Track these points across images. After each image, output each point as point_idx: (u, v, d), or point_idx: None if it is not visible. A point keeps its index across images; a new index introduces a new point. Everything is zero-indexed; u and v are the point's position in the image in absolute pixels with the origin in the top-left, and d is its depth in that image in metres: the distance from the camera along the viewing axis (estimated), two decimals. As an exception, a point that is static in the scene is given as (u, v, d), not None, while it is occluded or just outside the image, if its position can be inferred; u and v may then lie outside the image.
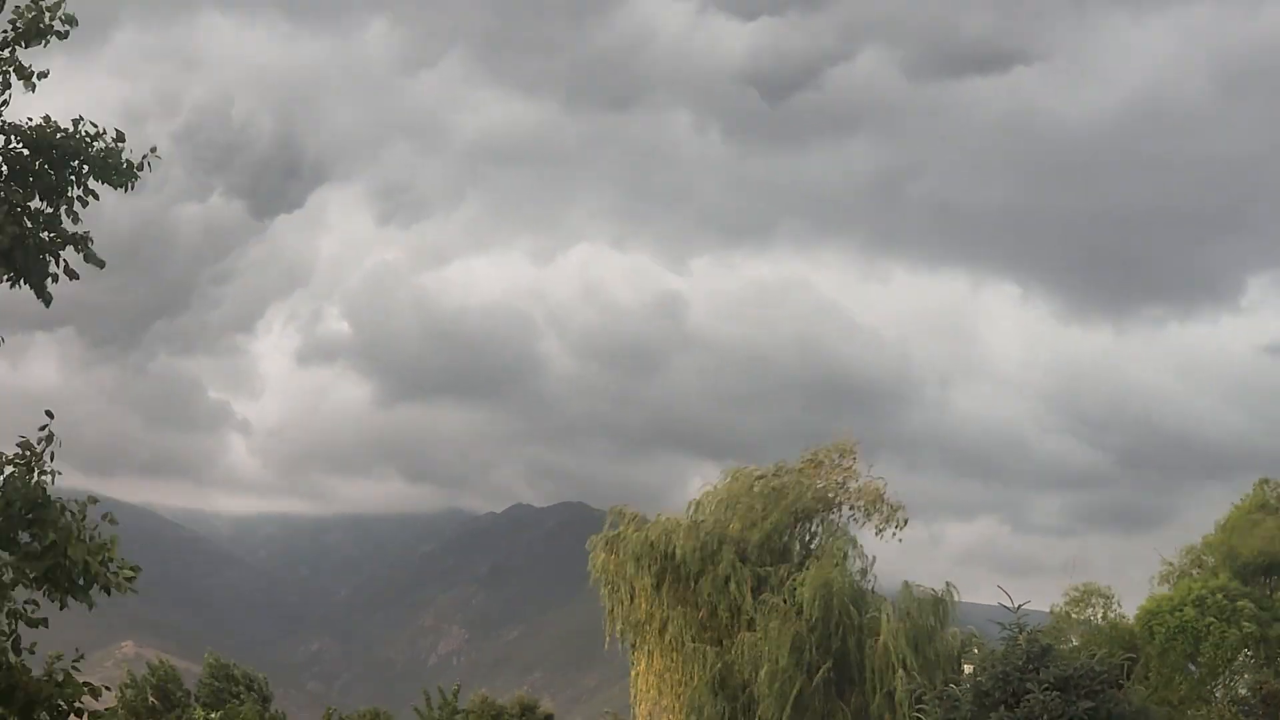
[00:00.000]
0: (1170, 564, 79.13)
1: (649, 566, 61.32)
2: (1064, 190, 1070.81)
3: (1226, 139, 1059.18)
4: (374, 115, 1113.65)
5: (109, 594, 24.02)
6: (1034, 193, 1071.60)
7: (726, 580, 59.88)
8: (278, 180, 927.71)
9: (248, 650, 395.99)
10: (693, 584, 60.78)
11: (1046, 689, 33.55)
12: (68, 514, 23.48)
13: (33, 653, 24.84)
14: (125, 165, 23.91)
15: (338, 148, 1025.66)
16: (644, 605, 61.75)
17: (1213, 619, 67.52)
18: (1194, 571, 76.67)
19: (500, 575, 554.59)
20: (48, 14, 23.47)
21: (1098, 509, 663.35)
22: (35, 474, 23.04)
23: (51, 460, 23.44)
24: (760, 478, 63.23)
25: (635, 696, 63.44)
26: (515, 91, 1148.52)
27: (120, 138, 23.30)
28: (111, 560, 24.08)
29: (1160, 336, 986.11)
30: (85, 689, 24.60)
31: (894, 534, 61.71)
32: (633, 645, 63.59)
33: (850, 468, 62.80)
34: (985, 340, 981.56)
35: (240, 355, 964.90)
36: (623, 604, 62.53)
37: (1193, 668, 68.04)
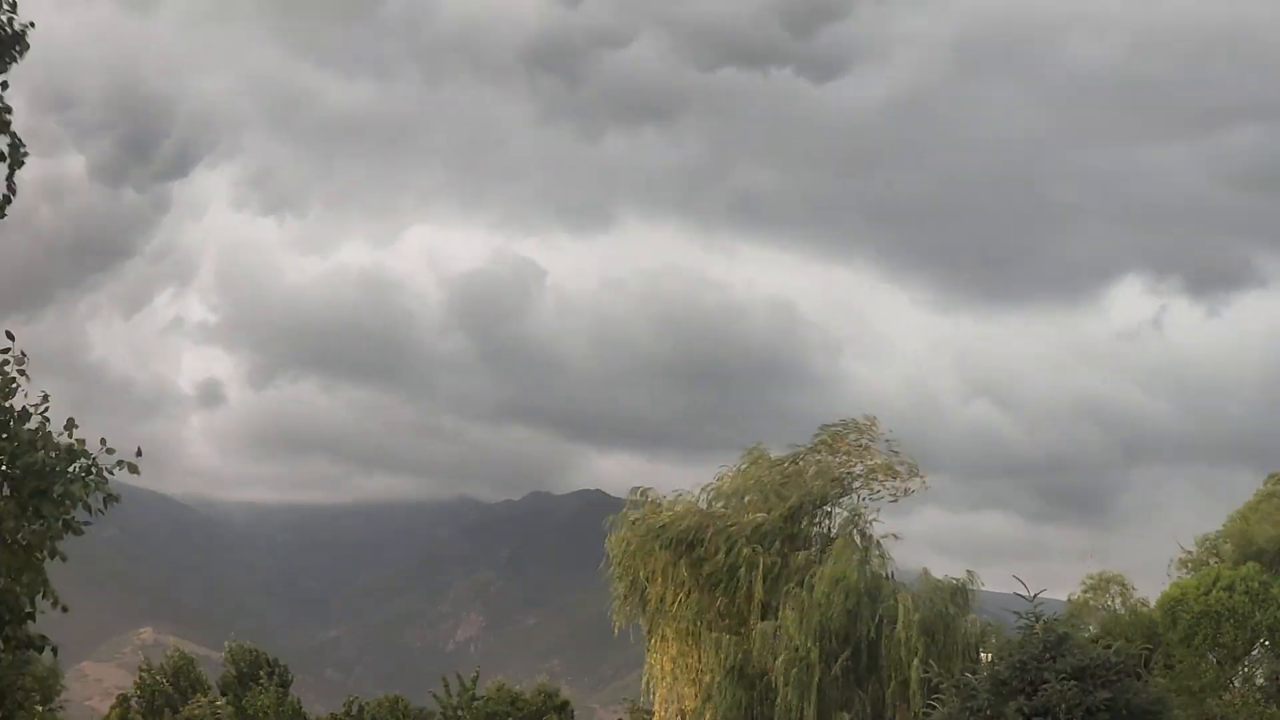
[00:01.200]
0: (1189, 552, 79.10)
1: (664, 551, 61.24)
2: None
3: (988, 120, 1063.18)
4: (229, 95, 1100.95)
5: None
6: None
7: (743, 566, 59.74)
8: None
9: (265, 637, 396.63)
10: (706, 570, 60.69)
11: (1064, 678, 33.49)
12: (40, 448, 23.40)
13: (39, 649, 25.03)
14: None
15: (198, 127, 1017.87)
16: (659, 590, 61.69)
17: (1243, 598, 67.42)
18: (1211, 560, 76.62)
19: (518, 562, 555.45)
20: None
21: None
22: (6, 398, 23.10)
23: (24, 378, 23.51)
24: (778, 461, 63.15)
25: (649, 684, 63.43)
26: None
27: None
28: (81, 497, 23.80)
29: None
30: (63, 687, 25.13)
31: (915, 490, 61.64)
32: (648, 632, 63.54)
33: (868, 447, 62.66)
34: (844, 321, 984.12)
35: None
36: (637, 589, 62.50)
37: (1211, 656, 67.99)
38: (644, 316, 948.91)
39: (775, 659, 56.70)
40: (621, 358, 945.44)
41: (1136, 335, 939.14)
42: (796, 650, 56.07)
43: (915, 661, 54.28)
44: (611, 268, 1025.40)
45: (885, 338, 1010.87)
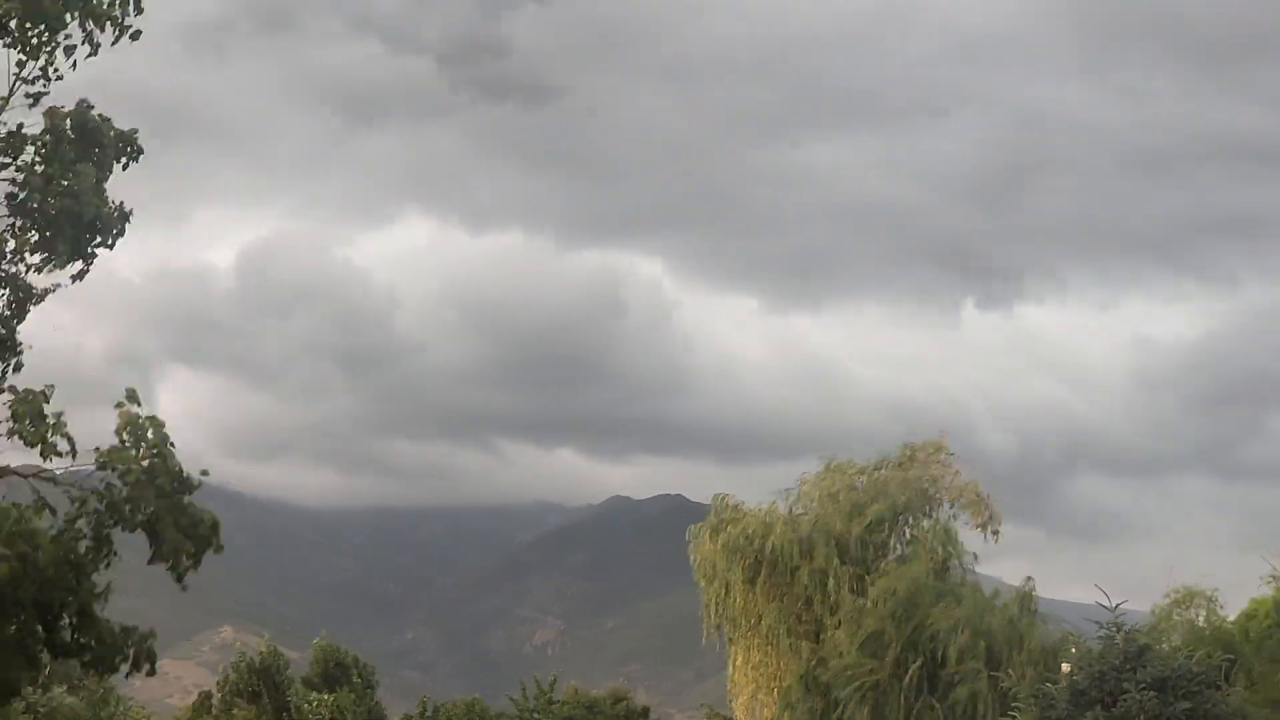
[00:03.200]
0: (1275, 566, 78.37)
1: (745, 559, 61.18)
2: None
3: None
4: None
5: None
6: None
7: (823, 575, 59.63)
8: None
9: (344, 638, 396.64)
10: (789, 578, 60.57)
11: (1143, 689, 33.26)
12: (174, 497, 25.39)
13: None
14: None
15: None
16: (740, 598, 61.60)
17: None
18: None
19: (598, 566, 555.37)
20: None
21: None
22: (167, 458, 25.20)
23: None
24: (859, 471, 63.01)
25: (732, 690, 63.39)
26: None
27: None
28: (209, 544, 25.84)
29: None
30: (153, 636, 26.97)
31: (991, 535, 61.55)
32: (730, 639, 63.48)
33: (946, 463, 62.53)
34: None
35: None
36: (719, 596, 62.43)
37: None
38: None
39: (839, 666, 56.65)
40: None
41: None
42: (855, 660, 55.97)
43: (985, 672, 54.07)
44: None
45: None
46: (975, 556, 61.48)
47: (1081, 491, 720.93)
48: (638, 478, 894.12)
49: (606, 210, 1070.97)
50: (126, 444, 26.59)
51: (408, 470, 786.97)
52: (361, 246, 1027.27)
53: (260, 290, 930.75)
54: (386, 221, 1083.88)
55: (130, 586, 29.49)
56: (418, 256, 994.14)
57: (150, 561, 27.82)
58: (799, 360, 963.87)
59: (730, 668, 64.03)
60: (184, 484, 26.98)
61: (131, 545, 29.80)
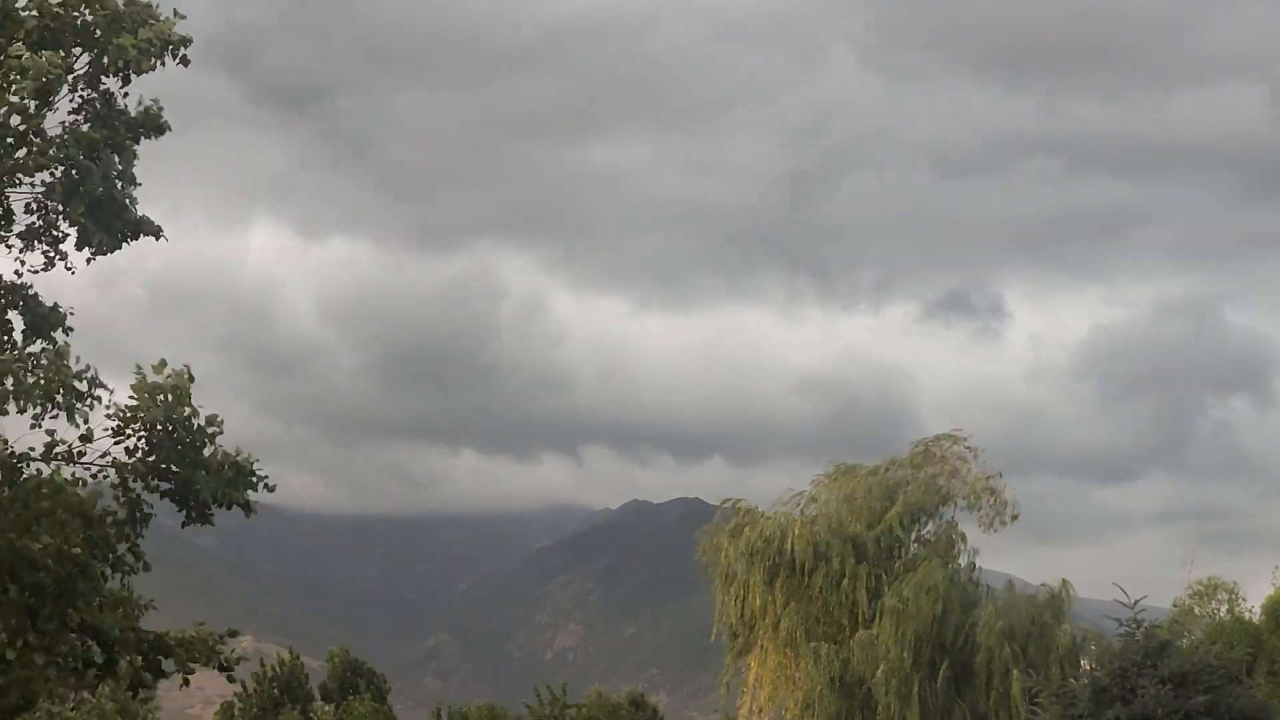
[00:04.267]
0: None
1: (763, 562, 61.17)
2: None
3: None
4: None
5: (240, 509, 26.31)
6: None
7: (841, 577, 59.64)
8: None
9: (365, 645, 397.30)
10: (806, 580, 60.56)
11: (1161, 684, 33.22)
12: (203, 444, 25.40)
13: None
14: None
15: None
16: (758, 601, 61.57)
17: None
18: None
19: (617, 571, 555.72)
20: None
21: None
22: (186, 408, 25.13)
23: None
24: (872, 473, 63.00)
25: (747, 693, 63.36)
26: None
27: None
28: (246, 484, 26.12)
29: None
30: (217, 639, 27.03)
31: (1005, 525, 61.57)
32: (739, 640, 63.56)
33: (963, 459, 62.55)
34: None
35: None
36: (736, 599, 62.43)
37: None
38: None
39: (876, 668, 56.61)
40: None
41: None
42: (897, 660, 55.95)
43: (1015, 671, 54.09)
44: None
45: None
46: (976, 551, 61.64)
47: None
48: (657, 481, 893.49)
49: (442, 217, 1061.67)
50: (141, 407, 26.22)
51: (427, 477, 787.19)
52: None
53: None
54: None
55: (148, 596, 29.38)
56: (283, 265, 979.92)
57: (185, 524, 27.69)
58: (692, 358, 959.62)
59: (750, 672, 64.02)
60: (204, 436, 26.80)
61: (152, 556, 29.77)
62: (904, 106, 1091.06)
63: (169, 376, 26.31)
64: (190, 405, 26.50)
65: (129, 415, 26.22)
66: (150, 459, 26.62)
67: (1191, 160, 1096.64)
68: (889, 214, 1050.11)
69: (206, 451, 27.05)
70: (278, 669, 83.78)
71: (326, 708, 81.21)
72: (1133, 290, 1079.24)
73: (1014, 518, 61.61)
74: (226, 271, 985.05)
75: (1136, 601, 35.83)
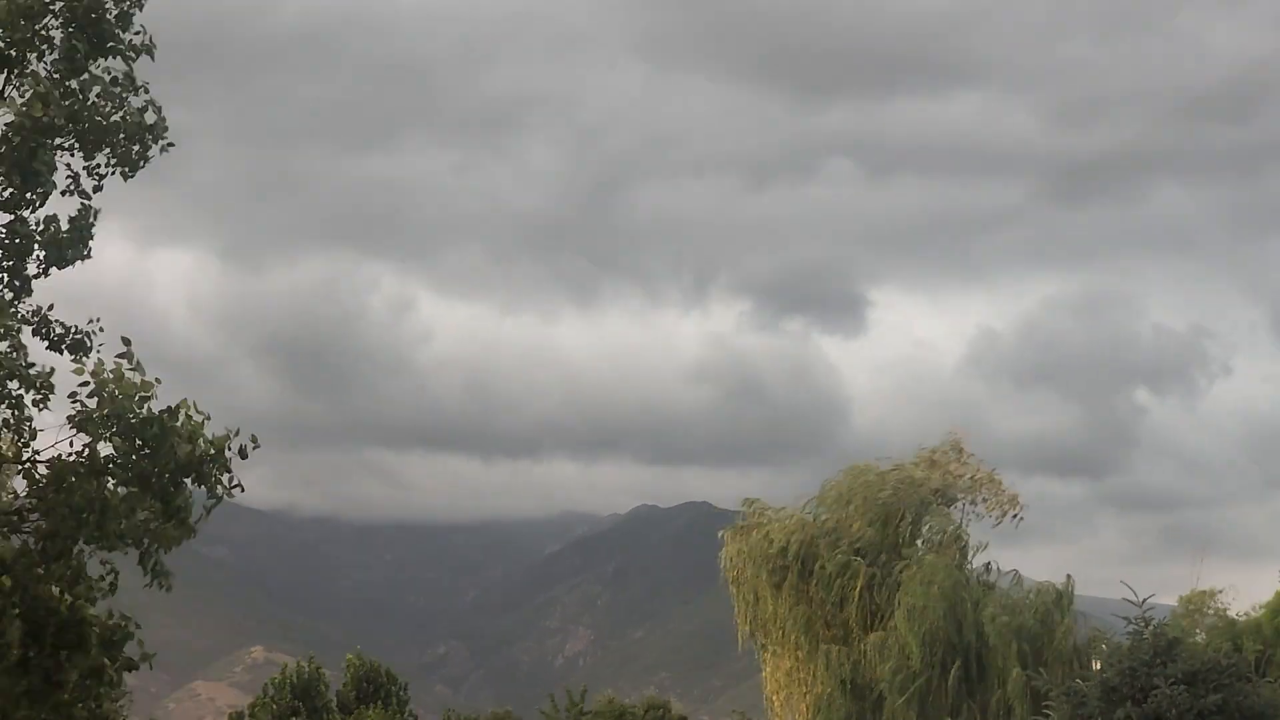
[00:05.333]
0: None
1: (771, 565, 61.38)
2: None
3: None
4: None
5: (207, 490, 24.76)
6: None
7: (848, 578, 59.82)
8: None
9: (374, 653, 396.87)
10: (814, 582, 60.74)
11: (1174, 683, 33.24)
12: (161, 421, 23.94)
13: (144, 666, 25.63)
14: None
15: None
16: (769, 604, 61.78)
17: None
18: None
19: (625, 576, 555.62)
20: None
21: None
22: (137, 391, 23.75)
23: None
24: (879, 474, 63.17)
25: (769, 697, 63.56)
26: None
27: None
28: (214, 460, 24.50)
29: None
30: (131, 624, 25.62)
31: (1012, 520, 61.96)
32: (762, 645, 63.71)
33: (966, 461, 62.89)
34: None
35: None
36: (748, 602, 62.64)
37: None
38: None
39: (885, 668, 56.73)
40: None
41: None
42: (906, 659, 56.06)
43: (1015, 670, 54.23)
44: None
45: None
46: (981, 545, 61.93)
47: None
48: (661, 486, 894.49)
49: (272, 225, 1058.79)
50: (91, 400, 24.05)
51: (432, 483, 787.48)
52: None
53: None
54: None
55: (160, 609, 29.39)
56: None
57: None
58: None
59: (764, 674, 64.20)
60: (160, 425, 24.13)
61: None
62: (694, 111, 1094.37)
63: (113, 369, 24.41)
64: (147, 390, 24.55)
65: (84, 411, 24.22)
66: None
67: (988, 164, 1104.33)
68: (696, 218, 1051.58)
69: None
70: (295, 677, 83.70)
71: (343, 718, 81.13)
72: (1002, 290, 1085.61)
73: (1021, 510, 62.09)
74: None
75: (1144, 600, 35.88)
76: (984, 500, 62.12)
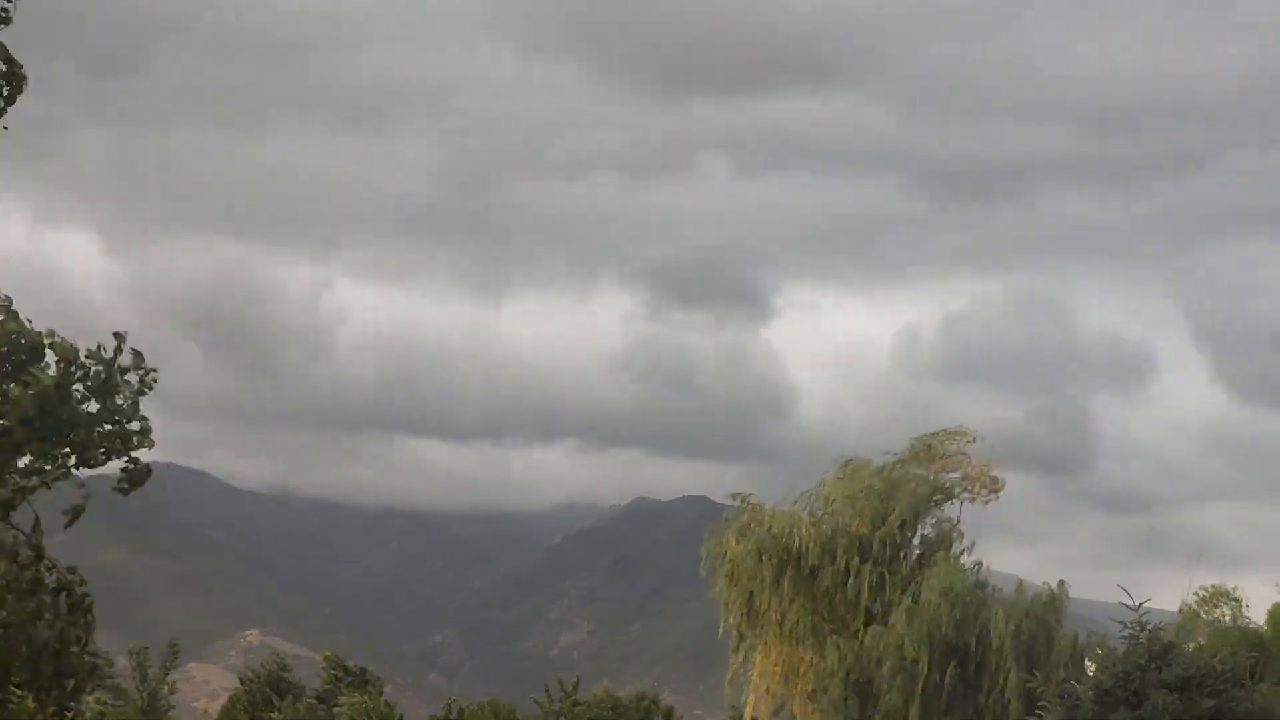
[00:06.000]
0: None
1: (770, 559, 61.50)
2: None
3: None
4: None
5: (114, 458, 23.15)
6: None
7: (847, 575, 59.95)
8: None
9: (372, 641, 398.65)
10: (813, 577, 60.87)
11: (1167, 689, 33.21)
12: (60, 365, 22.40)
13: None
14: None
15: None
16: (765, 598, 61.91)
17: None
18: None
19: (625, 569, 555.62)
20: None
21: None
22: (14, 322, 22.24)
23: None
24: (876, 472, 63.32)
25: (752, 689, 63.67)
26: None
27: None
28: (126, 419, 22.81)
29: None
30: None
31: (988, 500, 62.37)
32: (741, 636, 63.96)
33: (964, 454, 63.12)
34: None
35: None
36: (743, 595, 62.80)
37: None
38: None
39: (883, 665, 56.86)
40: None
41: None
42: (904, 657, 56.15)
43: (1011, 672, 54.34)
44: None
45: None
46: (971, 545, 62.16)
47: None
48: (661, 478, 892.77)
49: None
50: None
51: (442, 472, 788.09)
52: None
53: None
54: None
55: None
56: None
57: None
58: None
59: (755, 665, 64.39)
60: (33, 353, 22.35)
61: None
62: (569, 104, 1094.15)
63: None
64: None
65: None
66: None
67: (863, 161, 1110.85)
68: (576, 211, 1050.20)
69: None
70: (262, 669, 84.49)
71: (320, 706, 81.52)
72: (915, 287, 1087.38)
73: (1000, 489, 62.55)
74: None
75: (1140, 605, 35.82)
76: (975, 493, 62.52)
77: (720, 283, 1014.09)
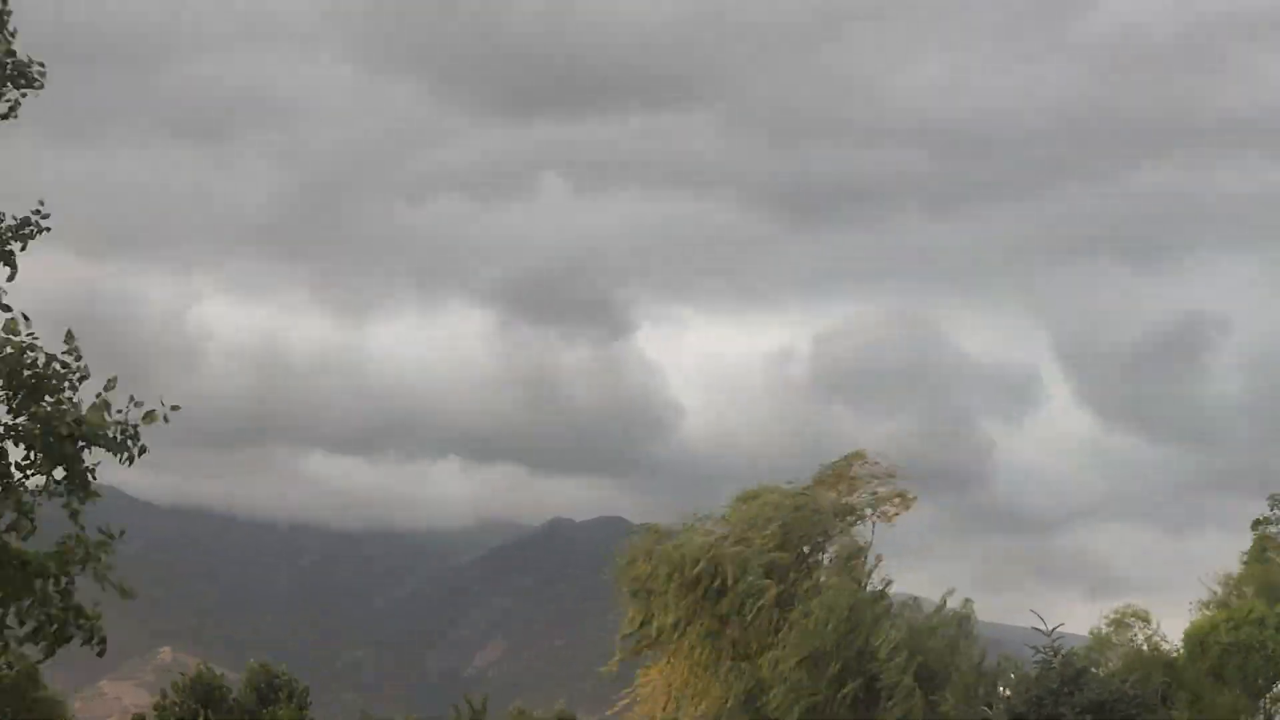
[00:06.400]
0: (1215, 591, 78.91)
1: (677, 580, 61.57)
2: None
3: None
4: None
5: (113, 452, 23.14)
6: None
7: (756, 596, 60.07)
8: None
9: (286, 658, 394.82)
10: (717, 599, 60.98)
11: (1080, 713, 33.40)
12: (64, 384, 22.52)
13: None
14: None
15: None
16: (669, 616, 61.99)
17: (1275, 633, 67.24)
18: (1234, 599, 76.37)
19: (539, 588, 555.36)
20: None
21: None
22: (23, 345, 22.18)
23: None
24: (789, 494, 63.57)
25: (646, 704, 63.92)
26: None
27: None
28: (107, 428, 22.88)
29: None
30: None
31: (895, 514, 62.84)
32: (644, 652, 64.21)
33: (874, 476, 63.59)
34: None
35: None
36: (645, 613, 62.98)
37: (1237, 688, 67.75)
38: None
39: (774, 687, 57.09)
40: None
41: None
42: (796, 679, 56.37)
43: (915, 691, 54.46)
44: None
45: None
46: (878, 562, 62.45)
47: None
48: (577, 498, 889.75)
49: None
50: None
51: (349, 489, 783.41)
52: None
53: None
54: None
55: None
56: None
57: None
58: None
59: (643, 683, 64.72)
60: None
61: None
62: (408, 121, 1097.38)
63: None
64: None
65: None
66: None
67: (704, 180, 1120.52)
68: (423, 231, 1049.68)
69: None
70: (194, 682, 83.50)
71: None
72: (777, 308, 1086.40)
73: (910, 502, 63.01)
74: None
75: (1054, 629, 36.03)
76: (886, 514, 62.94)
77: (571, 301, 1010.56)
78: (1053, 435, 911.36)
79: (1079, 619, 69.17)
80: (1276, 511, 77.73)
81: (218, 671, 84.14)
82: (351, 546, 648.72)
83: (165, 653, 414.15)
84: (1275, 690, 68.64)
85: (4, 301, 23.17)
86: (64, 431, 22.95)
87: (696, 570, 61.21)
